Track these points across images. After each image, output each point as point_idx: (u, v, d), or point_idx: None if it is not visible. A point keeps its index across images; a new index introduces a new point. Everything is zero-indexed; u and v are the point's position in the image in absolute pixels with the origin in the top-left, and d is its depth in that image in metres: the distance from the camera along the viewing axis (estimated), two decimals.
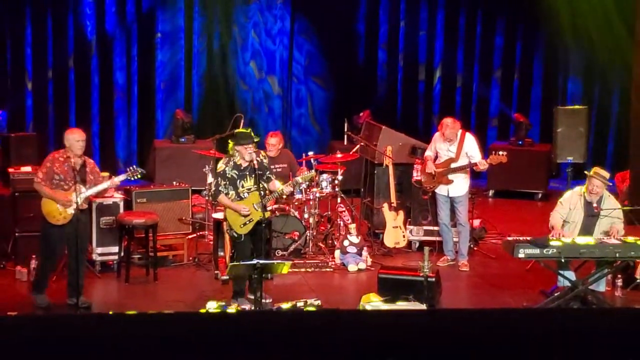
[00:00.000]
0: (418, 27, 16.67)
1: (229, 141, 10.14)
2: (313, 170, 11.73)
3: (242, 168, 9.94)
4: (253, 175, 9.92)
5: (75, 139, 9.80)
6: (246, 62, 16.49)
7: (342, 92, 16.74)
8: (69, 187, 9.74)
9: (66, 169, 9.74)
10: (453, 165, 11.44)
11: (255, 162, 9.88)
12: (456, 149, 11.43)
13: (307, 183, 11.76)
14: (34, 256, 10.62)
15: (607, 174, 10.34)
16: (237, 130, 10.59)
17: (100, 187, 9.93)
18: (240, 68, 16.47)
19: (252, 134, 10.12)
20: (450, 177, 11.46)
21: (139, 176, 10.25)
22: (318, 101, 16.85)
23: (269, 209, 10.18)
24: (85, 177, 9.81)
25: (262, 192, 9.94)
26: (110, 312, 9.39)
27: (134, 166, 10.37)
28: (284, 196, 11.00)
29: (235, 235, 9.99)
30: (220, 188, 9.94)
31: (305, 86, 16.78)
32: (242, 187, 9.93)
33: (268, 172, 10.15)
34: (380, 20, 16.74)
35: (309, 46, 16.70)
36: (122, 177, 10.15)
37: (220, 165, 10.03)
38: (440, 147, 11.56)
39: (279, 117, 16.68)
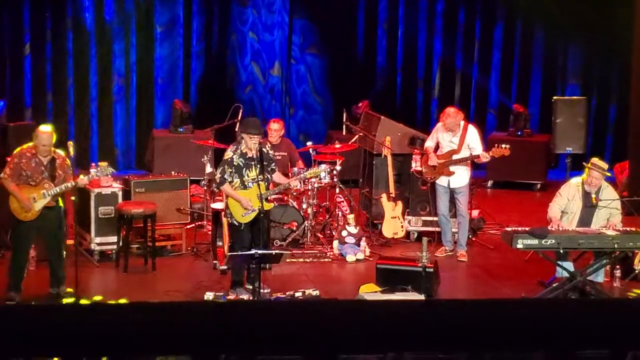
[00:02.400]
0: (417, 17, 16.65)
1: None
2: (322, 166, 11.72)
3: (248, 157, 9.94)
4: (259, 166, 9.92)
5: (42, 142, 9.55)
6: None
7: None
8: (35, 183, 9.60)
9: (33, 165, 9.59)
10: (455, 157, 11.42)
11: (257, 152, 9.88)
12: (458, 141, 11.41)
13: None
14: (32, 246, 10.61)
15: (605, 165, 10.33)
16: (247, 118, 10.56)
17: (65, 187, 9.66)
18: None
19: (260, 125, 10.13)
20: (451, 168, 11.45)
21: (109, 174, 10.16)
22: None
23: (268, 197, 10.17)
24: (54, 173, 9.64)
25: (266, 183, 9.97)
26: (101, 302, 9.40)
27: (106, 164, 10.20)
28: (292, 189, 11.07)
29: (236, 224, 9.99)
30: (225, 176, 9.93)
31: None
32: (247, 176, 9.93)
33: (273, 164, 10.16)
34: (380, 10, 16.71)
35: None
36: (91, 174, 10.02)
37: (228, 153, 10.02)
38: (443, 138, 11.54)
39: (279, 108, 16.66)
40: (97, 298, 9.87)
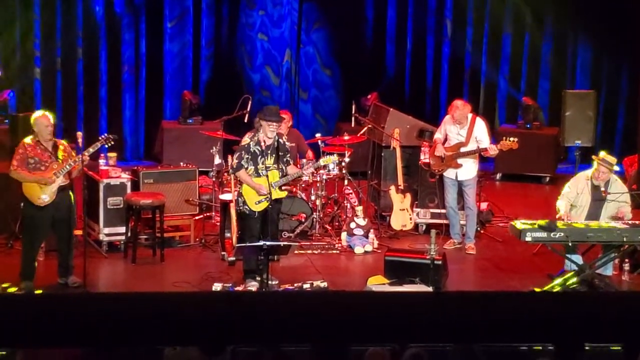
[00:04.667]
0: (427, 8, 16.61)
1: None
2: (335, 155, 11.72)
3: (265, 145, 9.96)
4: (274, 155, 9.95)
5: (44, 124, 9.74)
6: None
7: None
8: (45, 168, 9.73)
9: (39, 151, 9.74)
10: (463, 150, 11.40)
11: (275, 141, 9.92)
12: (466, 133, 11.39)
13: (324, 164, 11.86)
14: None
15: (613, 160, 10.31)
16: (267, 106, 10.58)
17: (71, 163, 9.78)
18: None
19: (279, 112, 10.16)
20: (459, 160, 11.43)
21: (112, 143, 10.24)
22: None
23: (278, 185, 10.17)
24: (59, 157, 9.81)
25: (280, 173, 9.99)
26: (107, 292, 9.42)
27: (106, 134, 10.36)
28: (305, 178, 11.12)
29: (247, 212, 10.01)
30: (242, 162, 9.97)
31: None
32: (262, 164, 9.95)
33: (288, 155, 10.17)
34: (389, 2, 16.67)
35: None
36: (97, 145, 10.10)
37: (245, 139, 10.09)
38: (450, 130, 11.53)
39: (292, 93, 16.63)
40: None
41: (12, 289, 9.70)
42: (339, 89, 16.69)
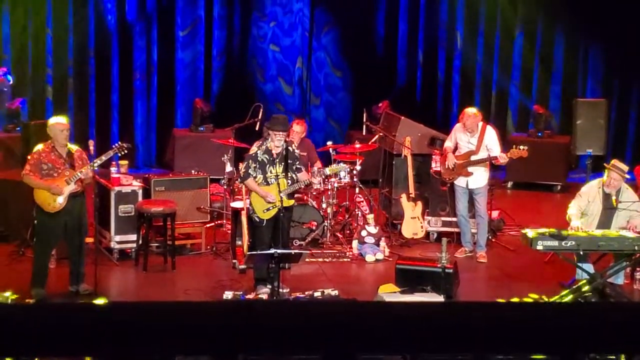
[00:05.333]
0: (438, 16, 16.61)
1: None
2: (342, 164, 11.71)
3: (273, 154, 9.98)
4: (283, 163, 9.96)
5: (59, 129, 9.81)
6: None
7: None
8: (58, 174, 9.77)
9: (53, 157, 9.79)
10: (473, 158, 11.39)
11: (283, 149, 9.93)
12: (477, 142, 11.38)
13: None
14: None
15: (625, 167, 10.29)
16: (275, 115, 10.65)
17: (88, 169, 9.81)
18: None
19: (287, 122, 10.20)
20: (470, 169, 11.42)
21: (126, 151, 10.28)
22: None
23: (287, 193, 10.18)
24: (73, 163, 9.84)
25: (289, 181, 10.00)
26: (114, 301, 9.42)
27: (119, 142, 10.43)
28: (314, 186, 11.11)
29: (257, 220, 10.01)
30: (250, 171, 9.99)
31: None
32: (271, 172, 9.97)
33: (298, 163, 10.17)
34: (400, 9, 16.68)
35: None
36: (110, 153, 10.14)
37: (253, 148, 10.13)
38: (461, 139, 11.52)
39: (301, 102, 16.64)
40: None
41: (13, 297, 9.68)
42: (350, 91, 16.72)
